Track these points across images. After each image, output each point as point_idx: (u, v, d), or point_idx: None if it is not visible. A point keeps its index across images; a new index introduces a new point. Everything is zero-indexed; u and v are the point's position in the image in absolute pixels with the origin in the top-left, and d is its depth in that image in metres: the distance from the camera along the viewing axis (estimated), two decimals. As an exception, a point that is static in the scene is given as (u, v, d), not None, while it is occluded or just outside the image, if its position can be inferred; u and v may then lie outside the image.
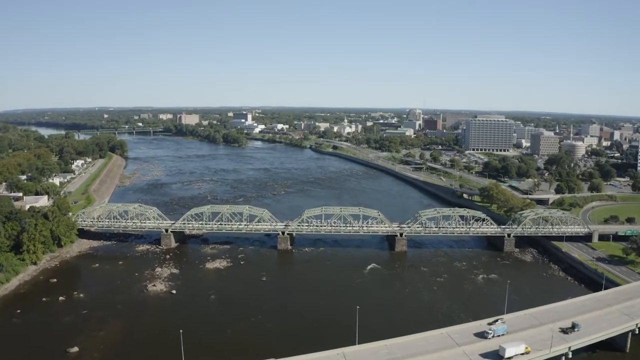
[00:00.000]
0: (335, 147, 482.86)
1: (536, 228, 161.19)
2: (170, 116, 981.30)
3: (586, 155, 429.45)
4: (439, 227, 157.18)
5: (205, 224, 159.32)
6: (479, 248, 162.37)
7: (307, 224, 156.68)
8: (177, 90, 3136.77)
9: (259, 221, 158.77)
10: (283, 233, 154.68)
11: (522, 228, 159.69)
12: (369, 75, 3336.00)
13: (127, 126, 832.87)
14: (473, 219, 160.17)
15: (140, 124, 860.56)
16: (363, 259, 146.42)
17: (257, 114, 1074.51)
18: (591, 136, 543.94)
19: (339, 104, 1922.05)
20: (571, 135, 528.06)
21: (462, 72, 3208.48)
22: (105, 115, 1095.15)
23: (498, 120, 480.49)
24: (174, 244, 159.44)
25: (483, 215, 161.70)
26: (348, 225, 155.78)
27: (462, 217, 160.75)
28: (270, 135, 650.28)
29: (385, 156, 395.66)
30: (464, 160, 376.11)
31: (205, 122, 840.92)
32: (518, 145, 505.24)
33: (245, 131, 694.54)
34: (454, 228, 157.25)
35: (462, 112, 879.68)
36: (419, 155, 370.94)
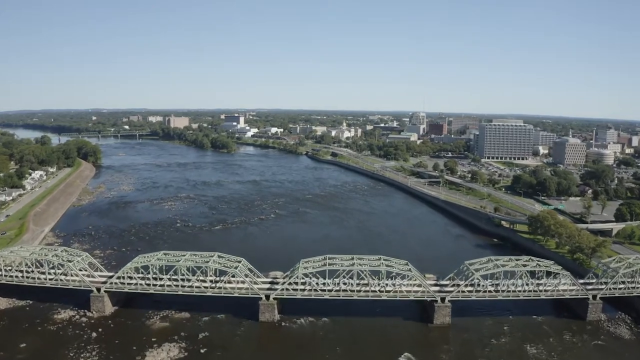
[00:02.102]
0: (334, 155, 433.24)
1: (629, 284, 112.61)
2: (160, 119, 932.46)
3: (615, 165, 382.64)
4: (498, 289, 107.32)
5: (155, 279, 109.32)
6: (549, 314, 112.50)
7: (302, 282, 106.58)
8: (172, 92, 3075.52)
9: (233, 276, 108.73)
10: (267, 297, 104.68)
11: (613, 286, 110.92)
12: (365, 77, 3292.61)
13: (112, 129, 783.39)
14: (544, 272, 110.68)
15: (127, 127, 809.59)
16: (389, 342, 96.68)
17: (251, 117, 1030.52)
18: (614, 143, 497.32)
19: (336, 106, 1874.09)
20: (593, 142, 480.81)
21: (460, 73, 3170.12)
22: (94, 118, 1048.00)
23: (516, 125, 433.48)
24: (109, 309, 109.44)
25: (557, 268, 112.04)
26: (362, 284, 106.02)
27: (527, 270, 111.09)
28: (263, 139, 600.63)
29: (393, 166, 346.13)
30: (483, 171, 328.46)
31: (194, 125, 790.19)
32: (535, 153, 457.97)
33: (236, 135, 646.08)
34: (518, 290, 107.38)
35: (462, 116, 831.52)
36: (432, 166, 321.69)
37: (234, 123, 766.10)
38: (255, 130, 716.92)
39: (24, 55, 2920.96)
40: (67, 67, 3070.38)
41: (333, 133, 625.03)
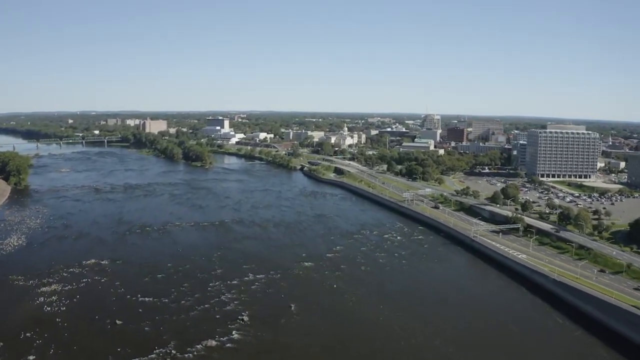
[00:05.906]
0: (339, 172, 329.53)
1: None
2: (138, 122, 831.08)
3: None
4: None
5: None
6: None
7: None
8: (166, 93, 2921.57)
9: None
10: None
11: None
12: (360, 78, 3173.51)
13: (81, 134, 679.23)
14: None
15: (97, 132, 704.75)
16: None
17: (240, 119, 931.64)
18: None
19: (332, 108, 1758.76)
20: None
21: (459, 74, 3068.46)
22: (71, 121, 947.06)
23: (577, 133, 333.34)
24: None
25: None
26: None
27: None
28: (249, 148, 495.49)
29: (430, 194, 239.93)
30: (556, 201, 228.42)
31: (172, 130, 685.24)
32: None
33: (218, 142, 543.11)
34: None
35: (466, 117, 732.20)
36: (492, 197, 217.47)
37: (217, 127, 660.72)
38: (242, 135, 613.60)
39: (23, 56, 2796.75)
40: (64, 68, 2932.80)
41: (333, 139, 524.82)
